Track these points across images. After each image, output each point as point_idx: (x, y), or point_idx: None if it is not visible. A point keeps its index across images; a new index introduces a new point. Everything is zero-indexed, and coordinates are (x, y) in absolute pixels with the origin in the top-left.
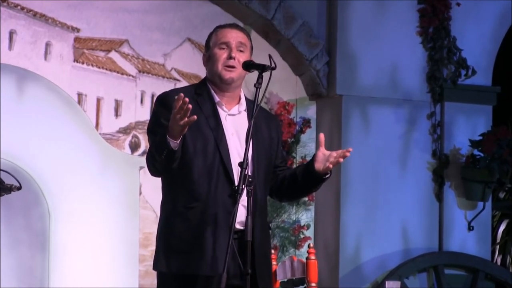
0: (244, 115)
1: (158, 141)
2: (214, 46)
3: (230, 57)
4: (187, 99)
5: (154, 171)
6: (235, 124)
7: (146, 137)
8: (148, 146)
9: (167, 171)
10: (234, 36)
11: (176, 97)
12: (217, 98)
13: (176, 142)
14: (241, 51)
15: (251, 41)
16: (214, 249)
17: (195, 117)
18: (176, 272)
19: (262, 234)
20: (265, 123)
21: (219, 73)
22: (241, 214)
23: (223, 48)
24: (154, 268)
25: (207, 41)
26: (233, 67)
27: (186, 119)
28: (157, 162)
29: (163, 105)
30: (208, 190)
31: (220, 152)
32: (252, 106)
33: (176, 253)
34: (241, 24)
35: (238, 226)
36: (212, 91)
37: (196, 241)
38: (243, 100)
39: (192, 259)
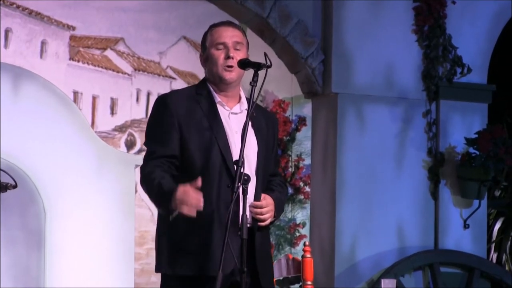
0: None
1: (162, 193)
2: (210, 47)
3: (228, 57)
4: (201, 205)
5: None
6: (239, 122)
7: (142, 135)
8: (145, 153)
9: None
10: (230, 36)
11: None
12: (218, 98)
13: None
14: (237, 49)
15: (246, 37)
16: (219, 249)
17: (195, 214)
18: (181, 274)
19: (263, 234)
20: (264, 121)
21: (219, 74)
22: (240, 212)
23: (220, 49)
24: (157, 271)
25: (203, 41)
26: (232, 66)
27: (191, 210)
28: (149, 196)
29: (163, 107)
30: (210, 190)
31: (220, 150)
32: (250, 105)
33: (181, 255)
34: (236, 23)
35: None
36: (213, 91)
37: (201, 242)
38: (243, 99)
39: (196, 260)
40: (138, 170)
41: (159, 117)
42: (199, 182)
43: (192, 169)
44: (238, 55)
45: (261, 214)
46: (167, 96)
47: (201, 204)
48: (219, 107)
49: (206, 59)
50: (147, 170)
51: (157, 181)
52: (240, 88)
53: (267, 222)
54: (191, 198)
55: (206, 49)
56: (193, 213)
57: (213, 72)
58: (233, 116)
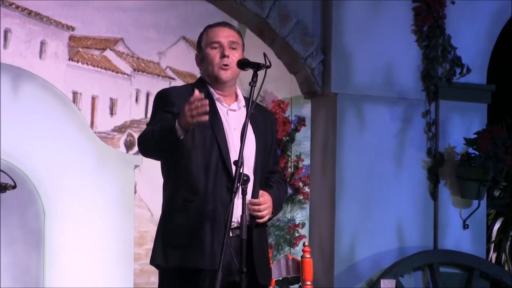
0: (244, 110)
1: (165, 127)
2: (206, 47)
3: (223, 56)
4: (203, 101)
5: (148, 152)
6: (237, 119)
7: None
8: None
9: (165, 156)
10: (225, 35)
11: (190, 97)
12: (216, 95)
13: (181, 135)
14: (233, 48)
15: (242, 38)
16: (212, 244)
17: (207, 117)
18: (174, 266)
19: (260, 232)
20: (262, 119)
21: (215, 74)
22: (239, 212)
23: (215, 48)
24: (151, 263)
25: (199, 42)
26: (227, 65)
27: (199, 116)
28: (156, 146)
29: (162, 100)
30: (207, 185)
31: (219, 147)
32: (248, 104)
33: (174, 247)
34: (235, 23)
35: (236, 224)
36: (210, 89)
37: (194, 235)
38: (240, 97)
39: (190, 253)
40: (137, 170)
41: (161, 107)
42: (196, 92)
43: (191, 165)
44: (234, 55)
45: (259, 211)
46: (169, 90)
47: (207, 107)
48: (218, 104)
49: (202, 59)
50: (143, 133)
51: (156, 128)
52: (237, 87)
53: (265, 219)
54: (194, 105)
55: (201, 49)
56: (204, 118)
57: (209, 72)
58: (231, 113)
